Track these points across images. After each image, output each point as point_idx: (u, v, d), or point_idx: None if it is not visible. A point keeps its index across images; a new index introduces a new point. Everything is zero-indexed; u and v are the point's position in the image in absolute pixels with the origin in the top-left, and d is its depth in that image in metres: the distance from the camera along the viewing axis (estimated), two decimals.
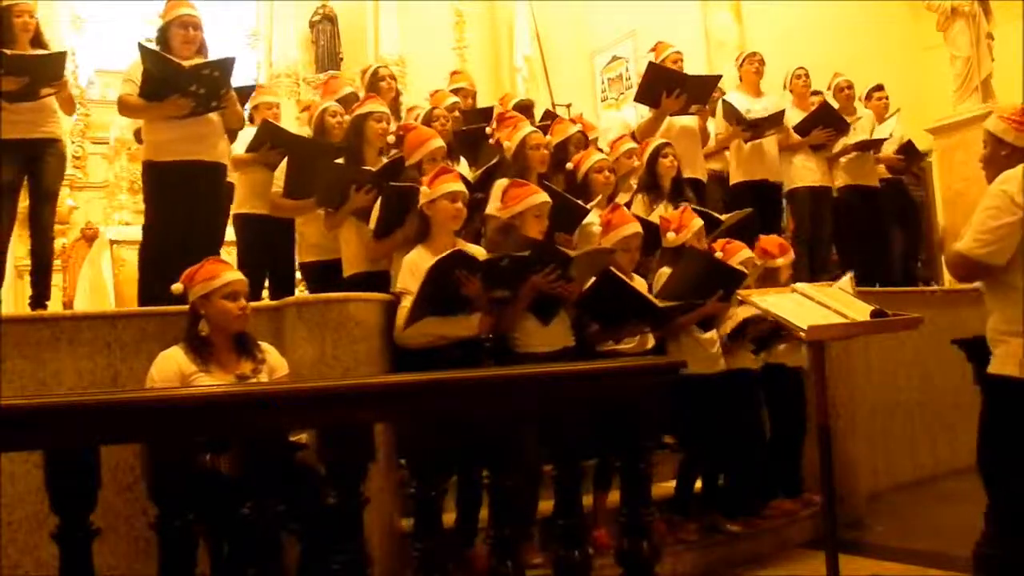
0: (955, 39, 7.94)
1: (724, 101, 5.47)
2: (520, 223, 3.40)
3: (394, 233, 3.66)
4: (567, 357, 3.30)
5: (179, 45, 3.97)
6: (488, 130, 4.61)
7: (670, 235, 3.82)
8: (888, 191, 6.28)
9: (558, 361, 3.16)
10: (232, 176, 4.66)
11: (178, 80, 3.86)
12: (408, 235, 3.58)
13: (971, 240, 2.63)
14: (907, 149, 6.16)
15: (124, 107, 4.05)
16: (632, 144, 4.78)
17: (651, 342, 3.66)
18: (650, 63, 5.24)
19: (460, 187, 3.37)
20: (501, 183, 3.83)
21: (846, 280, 3.68)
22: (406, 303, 3.16)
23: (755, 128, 5.42)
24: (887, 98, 6.40)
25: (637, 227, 3.65)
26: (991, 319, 2.74)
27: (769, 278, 4.08)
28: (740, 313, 3.79)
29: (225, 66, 3.95)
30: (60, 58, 4.38)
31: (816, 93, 6.16)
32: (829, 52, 7.80)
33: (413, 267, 3.21)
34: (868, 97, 6.43)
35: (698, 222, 3.84)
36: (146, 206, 4.18)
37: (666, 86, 4.95)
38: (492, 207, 3.82)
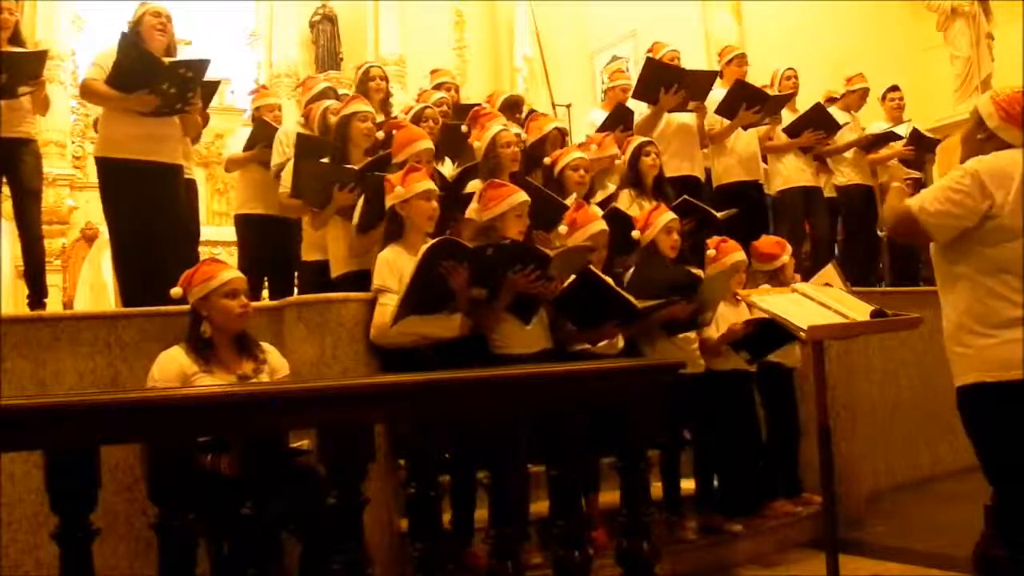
0: (955, 39, 7.96)
1: (737, 80, 5.29)
2: (501, 224, 3.36)
3: (376, 227, 3.59)
4: (545, 359, 3.25)
5: (151, 35, 3.89)
6: (463, 128, 4.55)
7: (635, 233, 3.78)
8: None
9: (535, 363, 3.09)
10: (210, 178, 4.65)
11: (151, 75, 3.77)
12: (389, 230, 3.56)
13: (928, 202, 2.53)
14: (915, 139, 6.10)
15: (86, 91, 3.94)
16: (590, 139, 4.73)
17: (621, 343, 3.61)
18: (648, 59, 5.23)
19: (433, 186, 3.34)
20: (480, 185, 3.79)
21: (829, 268, 3.67)
22: (384, 300, 3.10)
23: (764, 105, 5.21)
24: (902, 99, 6.33)
25: (603, 224, 3.61)
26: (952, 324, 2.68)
27: (775, 278, 4.06)
28: (736, 316, 3.77)
29: (199, 68, 3.89)
30: (40, 56, 4.33)
31: (832, 100, 6.10)
32: (829, 52, 7.82)
33: (390, 264, 3.16)
34: (883, 98, 6.38)
35: (665, 218, 3.76)
36: (105, 207, 4.02)
37: (664, 82, 4.94)
38: (472, 210, 3.74)
